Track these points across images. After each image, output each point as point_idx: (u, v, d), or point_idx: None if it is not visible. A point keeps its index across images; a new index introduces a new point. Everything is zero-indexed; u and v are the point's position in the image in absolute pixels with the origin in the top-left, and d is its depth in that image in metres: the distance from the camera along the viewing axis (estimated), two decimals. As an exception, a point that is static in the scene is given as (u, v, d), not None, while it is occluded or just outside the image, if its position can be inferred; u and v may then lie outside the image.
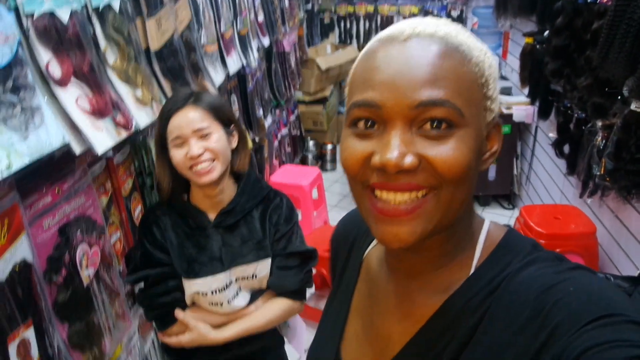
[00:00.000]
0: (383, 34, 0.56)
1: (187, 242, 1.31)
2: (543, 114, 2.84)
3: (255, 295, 1.36)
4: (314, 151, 4.39)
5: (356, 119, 0.54)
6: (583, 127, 2.34)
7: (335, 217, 3.59)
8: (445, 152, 0.50)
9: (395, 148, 0.50)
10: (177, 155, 1.22)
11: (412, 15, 4.71)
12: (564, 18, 2.35)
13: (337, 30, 5.22)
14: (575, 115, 2.48)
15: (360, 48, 5.07)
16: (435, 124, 0.50)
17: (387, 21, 4.85)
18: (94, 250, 1.24)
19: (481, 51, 0.54)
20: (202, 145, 1.20)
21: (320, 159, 4.46)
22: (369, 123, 0.53)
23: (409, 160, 0.50)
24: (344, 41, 5.19)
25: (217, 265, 1.28)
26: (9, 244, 0.95)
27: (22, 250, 0.99)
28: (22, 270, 0.98)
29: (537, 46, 2.80)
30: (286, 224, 1.34)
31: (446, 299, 0.57)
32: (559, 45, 2.42)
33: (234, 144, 1.31)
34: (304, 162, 4.27)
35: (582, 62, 2.16)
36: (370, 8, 4.92)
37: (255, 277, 1.32)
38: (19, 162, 0.89)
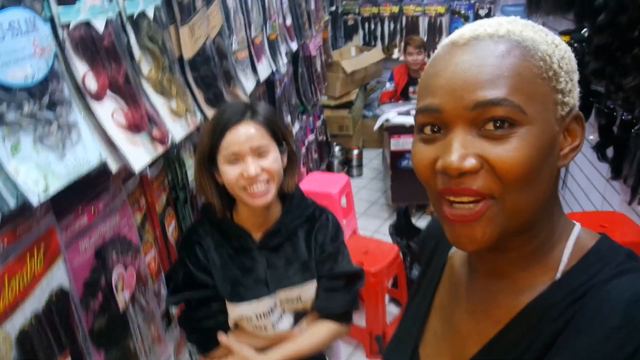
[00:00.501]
0: (446, 39, 0.57)
1: (231, 263, 1.24)
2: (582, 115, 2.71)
3: (299, 317, 1.28)
4: (340, 157, 4.30)
5: (422, 125, 0.56)
6: (631, 130, 2.21)
7: (363, 225, 3.50)
8: (506, 152, 0.50)
9: (456, 151, 0.51)
10: (231, 173, 1.13)
11: (439, 15, 4.60)
12: (607, 15, 2.23)
13: (361, 32, 5.13)
14: (621, 116, 2.35)
15: (385, 49, 4.98)
16: (496, 124, 0.51)
17: (413, 22, 4.74)
18: (130, 272, 1.18)
19: (550, 45, 0.53)
20: (259, 164, 1.12)
21: (347, 165, 4.37)
22: (435, 128, 0.54)
23: (469, 162, 0.51)
24: (368, 43, 5.09)
25: (262, 289, 1.21)
26: (45, 271, 0.89)
27: (59, 276, 0.93)
28: (60, 298, 0.92)
29: (575, 45, 2.68)
30: (332, 243, 1.26)
31: (528, 303, 0.56)
32: (602, 44, 2.29)
33: (286, 160, 1.23)
34: (329, 168, 4.19)
35: (629, 60, 2.05)
36: (395, 9, 4.82)
37: (300, 300, 1.25)
38: (57, 184, 0.83)
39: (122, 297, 1.15)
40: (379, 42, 5.04)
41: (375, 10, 4.94)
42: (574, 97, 0.55)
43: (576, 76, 0.55)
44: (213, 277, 1.23)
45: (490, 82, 0.50)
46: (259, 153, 1.13)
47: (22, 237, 0.83)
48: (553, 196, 0.57)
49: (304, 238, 1.25)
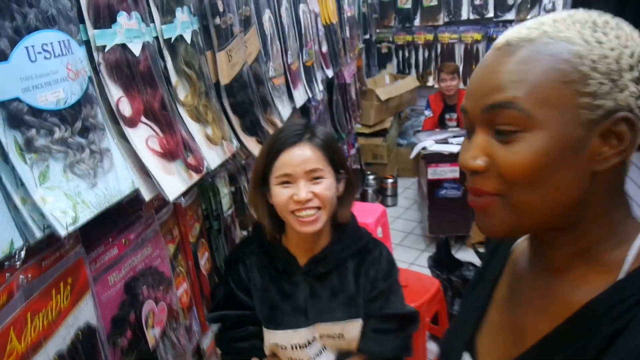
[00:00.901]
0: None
1: (271, 286, 1.17)
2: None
3: (342, 356, 1.19)
4: (374, 185, 4.21)
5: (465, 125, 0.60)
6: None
7: (399, 256, 3.37)
8: (510, 155, 0.52)
9: (468, 151, 0.56)
10: (281, 194, 1.08)
11: (475, 42, 4.53)
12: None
13: (395, 60, 5.09)
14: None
15: (419, 77, 4.92)
16: (503, 127, 0.53)
17: (448, 49, 4.68)
18: (161, 307, 1.11)
19: (590, 44, 0.51)
20: (311, 189, 1.07)
21: (381, 194, 4.27)
22: (470, 127, 0.58)
23: (476, 162, 0.55)
24: (402, 71, 5.05)
25: (300, 319, 1.14)
26: (72, 307, 0.83)
27: (86, 312, 0.87)
28: (86, 336, 0.86)
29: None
30: (384, 281, 1.16)
31: (589, 300, 0.55)
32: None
33: (341, 189, 1.16)
34: (363, 197, 4.10)
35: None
36: (430, 36, 4.77)
37: (343, 337, 1.15)
38: (87, 213, 0.78)
39: (152, 334, 1.08)
40: (413, 70, 4.99)
41: (409, 38, 4.91)
42: (618, 99, 0.51)
43: (628, 75, 0.51)
44: (252, 297, 1.18)
45: (503, 86, 0.53)
46: (313, 177, 1.08)
47: (49, 271, 0.78)
48: (605, 196, 0.55)
49: (353, 271, 1.16)
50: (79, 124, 0.80)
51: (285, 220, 1.11)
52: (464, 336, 0.71)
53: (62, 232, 0.72)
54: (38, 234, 0.71)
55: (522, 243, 0.70)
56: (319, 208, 1.07)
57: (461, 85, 3.97)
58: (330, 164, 1.10)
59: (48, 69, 0.74)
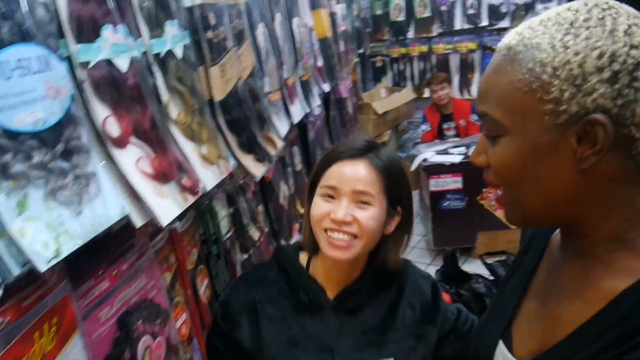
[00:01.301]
0: None
1: (291, 320, 1.00)
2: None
3: None
4: (374, 200, 4.14)
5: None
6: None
7: (404, 271, 3.29)
8: (493, 155, 0.60)
9: (475, 150, 0.64)
10: (319, 207, 0.95)
11: (470, 51, 4.51)
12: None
13: (390, 73, 5.07)
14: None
15: (415, 89, 4.89)
16: (489, 133, 0.61)
17: (443, 60, 4.66)
18: (158, 342, 1.03)
19: (552, 50, 0.53)
20: (352, 212, 0.92)
21: (381, 208, 4.20)
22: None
23: (477, 158, 0.63)
24: (397, 84, 5.03)
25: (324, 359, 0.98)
26: (58, 350, 0.75)
27: (74, 354, 0.79)
28: (74, 381, 0.77)
29: None
30: (435, 303, 1.05)
31: (626, 288, 0.55)
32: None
33: (392, 228, 0.99)
34: (364, 212, 4.02)
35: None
36: (424, 48, 4.76)
37: None
38: (70, 245, 0.71)
39: (150, 372, 0.99)
40: (409, 82, 4.96)
41: (403, 50, 4.89)
42: (582, 103, 0.52)
43: (595, 77, 0.51)
44: (253, 336, 1.01)
45: (482, 97, 0.61)
46: (359, 200, 0.93)
47: (30, 311, 0.70)
48: (613, 190, 0.56)
49: (387, 302, 1.02)
50: (60, 147, 0.72)
51: (317, 237, 0.97)
52: (500, 326, 0.72)
53: (42, 267, 0.64)
54: (16, 271, 0.63)
55: (558, 234, 0.71)
56: (355, 236, 0.93)
57: (457, 95, 3.94)
58: (386, 193, 0.96)
59: (24, 87, 0.67)
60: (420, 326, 0.99)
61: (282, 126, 1.80)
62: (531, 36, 0.56)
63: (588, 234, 0.60)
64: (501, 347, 0.69)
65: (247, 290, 1.05)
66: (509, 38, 0.59)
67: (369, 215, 0.92)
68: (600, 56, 0.51)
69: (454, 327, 1.06)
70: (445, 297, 2.27)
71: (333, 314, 0.99)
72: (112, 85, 0.87)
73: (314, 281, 1.01)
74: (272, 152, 1.57)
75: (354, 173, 0.94)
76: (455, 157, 3.24)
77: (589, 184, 0.56)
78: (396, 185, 0.98)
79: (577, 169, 0.55)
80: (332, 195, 0.94)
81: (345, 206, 0.91)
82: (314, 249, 1.00)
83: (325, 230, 0.93)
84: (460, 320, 1.07)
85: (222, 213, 1.39)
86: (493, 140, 0.60)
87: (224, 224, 1.39)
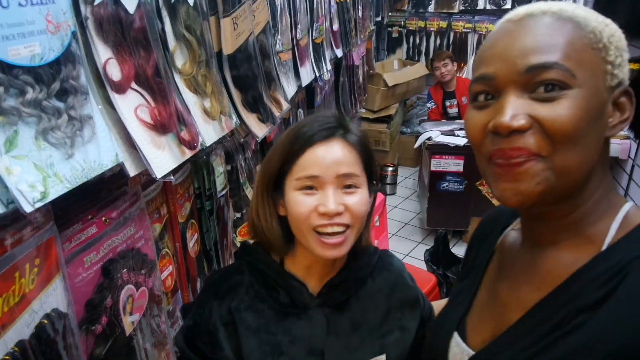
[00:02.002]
0: (502, 18, 0.62)
1: (274, 326, 0.87)
2: (651, 151, 2.48)
3: None
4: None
5: (476, 94, 0.60)
6: None
7: (394, 246, 3.30)
8: (555, 111, 0.54)
9: (508, 111, 0.55)
10: (302, 204, 0.81)
11: (488, 32, 4.39)
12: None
13: (405, 46, 4.95)
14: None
15: (428, 65, 4.80)
16: (547, 87, 0.55)
17: (461, 38, 4.55)
18: (141, 291, 1.03)
19: (601, 23, 0.57)
20: (342, 200, 0.81)
21: (380, 182, 4.19)
22: (489, 96, 0.59)
23: (519, 121, 0.55)
24: (411, 57, 4.92)
25: None
26: (38, 291, 0.74)
27: (55, 297, 0.78)
28: (53, 322, 0.77)
29: (648, 73, 2.45)
30: (417, 301, 0.96)
31: (573, 272, 0.58)
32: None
33: (370, 205, 0.89)
34: (362, 183, 4.01)
35: None
36: (443, 24, 4.63)
37: None
38: (59, 188, 0.68)
39: (130, 320, 1.00)
40: (422, 57, 4.86)
41: (422, 24, 4.77)
42: (623, 72, 0.58)
43: (626, 54, 0.58)
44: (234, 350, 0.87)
45: (543, 49, 0.55)
46: (346, 185, 0.82)
47: (13, 250, 0.69)
48: (602, 167, 0.60)
49: (373, 294, 0.93)
50: (56, 85, 0.69)
51: (301, 238, 0.85)
52: (455, 318, 0.73)
53: (27, 209, 0.63)
54: (0, 210, 0.62)
55: (510, 233, 0.74)
56: (347, 226, 0.82)
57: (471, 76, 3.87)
58: (365, 170, 0.85)
59: (23, 17, 0.64)
60: (403, 318, 0.93)
61: (289, 88, 1.76)
62: (570, 9, 0.58)
63: (557, 217, 0.61)
64: (456, 338, 0.70)
65: (220, 302, 0.89)
66: (542, 6, 0.58)
67: (359, 200, 0.83)
68: (621, 40, 0.58)
69: (422, 318, 0.97)
70: (432, 277, 2.28)
71: (319, 311, 0.88)
72: (117, 26, 0.84)
73: (293, 278, 0.89)
74: (277, 113, 1.53)
75: (334, 156, 0.82)
76: (460, 140, 3.20)
77: (602, 156, 0.59)
78: (371, 158, 0.88)
79: (603, 137, 0.58)
80: (312, 186, 0.82)
81: (333, 195, 0.80)
82: (285, 249, 0.90)
83: (316, 229, 0.81)
84: (425, 308, 0.99)
85: (219, 169, 1.36)
86: (549, 96, 0.55)
87: (220, 181, 1.37)
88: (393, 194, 4.22)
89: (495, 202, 3.37)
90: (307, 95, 2.33)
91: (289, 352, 0.86)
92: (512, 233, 0.73)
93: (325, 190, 0.81)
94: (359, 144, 0.85)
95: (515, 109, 0.55)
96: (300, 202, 0.82)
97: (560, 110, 0.54)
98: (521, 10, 0.60)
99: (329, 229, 0.81)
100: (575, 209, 0.60)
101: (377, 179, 0.91)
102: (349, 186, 0.82)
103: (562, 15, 0.57)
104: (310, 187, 0.82)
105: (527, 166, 0.55)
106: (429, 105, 4.00)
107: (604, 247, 0.58)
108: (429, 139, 3.30)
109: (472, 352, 0.67)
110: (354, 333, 0.89)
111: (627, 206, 0.61)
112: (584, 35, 0.56)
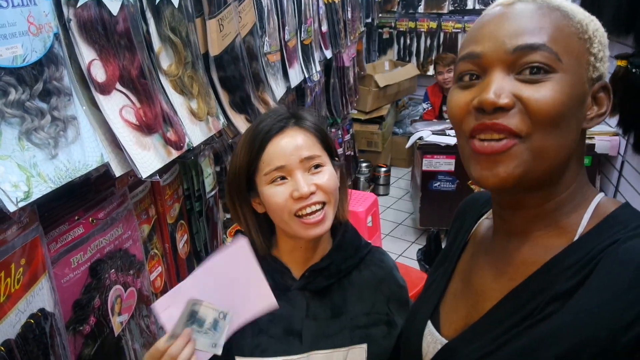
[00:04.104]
0: (493, 2, 0.62)
1: None
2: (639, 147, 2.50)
3: None
4: (367, 173, 4.13)
5: (461, 73, 0.60)
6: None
7: (387, 246, 3.31)
8: (540, 93, 0.54)
9: (493, 88, 0.56)
10: (277, 194, 0.86)
11: (479, 33, 4.42)
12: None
13: (395, 47, 4.98)
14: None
15: (419, 66, 4.82)
16: (533, 69, 0.55)
17: (451, 39, 4.58)
18: (130, 292, 1.03)
19: (587, 17, 0.59)
20: (312, 180, 0.87)
21: (373, 182, 4.20)
22: (474, 76, 0.59)
23: (504, 99, 0.55)
24: (402, 58, 4.94)
25: (293, 343, 0.89)
26: (24, 291, 0.75)
27: (41, 297, 0.78)
28: (39, 322, 0.77)
29: (634, 70, 2.47)
30: (404, 292, 0.99)
31: (546, 262, 0.58)
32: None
33: (338, 180, 0.94)
34: (355, 184, 4.02)
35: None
36: (433, 24, 4.66)
37: None
38: (42, 188, 0.69)
39: (119, 321, 1.00)
40: (413, 58, 4.88)
41: (412, 24, 4.79)
42: (604, 67, 0.59)
43: (607, 51, 0.59)
44: None
45: (531, 31, 0.56)
46: (311, 166, 0.88)
47: (-3, 250, 0.69)
48: (577, 161, 0.61)
49: (359, 286, 0.95)
50: (39, 86, 0.70)
51: (284, 226, 0.89)
52: (428, 308, 0.73)
53: (11, 208, 0.63)
54: (-17, 209, 0.62)
55: (484, 221, 0.75)
56: (324, 203, 0.87)
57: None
58: (325, 149, 0.92)
59: (4, 19, 0.65)
60: (390, 314, 0.95)
61: (278, 89, 1.77)
62: (559, 1, 0.59)
63: (530, 206, 0.61)
64: (429, 328, 0.71)
65: None
66: None
67: (327, 177, 0.88)
68: (604, 36, 0.59)
69: None
70: (425, 276, 2.29)
71: (300, 294, 0.92)
72: (101, 28, 0.84)
73: (278, 262, 0.94)
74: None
75: (294, 143, 0.88)
76: (451, 139, 3.21)
77: (578, 149, 0.60)
78: (327, 137, 0.94)
79: (581, 127, 0.59)
80: (282, 175, 0.87)
81: (302, 178, 0.86)
82: (268, 244, 0.95)
83: (296, 214, 0.86)
84: None
85: (208, 170, 1.37)
86: (533, 77, 0.55)
87: (209, 182, 1.38)
88: (386, 194, 4.23)
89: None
90: (298, 97, 2.34)
91: (268, 330, 0.90)
92: (486, 222, 0.73)
93: (294, 176, 0.86)
94: (313, 128, 0.91)
95: (500, 87, 0.55)
96: (274, 194, 0.86)
97: (545, 92, 0.54)
98: None
99: (308, 210, 0.85)
100: (550, 199, 0.60)
101: (337, 155, 0.96)
102: (315, 167, 0.88)
103: (551, 4, 0.58)
104: (280, 178, 0.87)
105: (508, 148, 0.56)
106: (424, 105, 3.98)
107: (576, 238, 0.58)
108: (421, 138, 3.31)
109: (445, 341, 0.67)
110: (333, 319, 0.92)
111: (599, 197, 0.61)
112: (571, 24, 0.57)
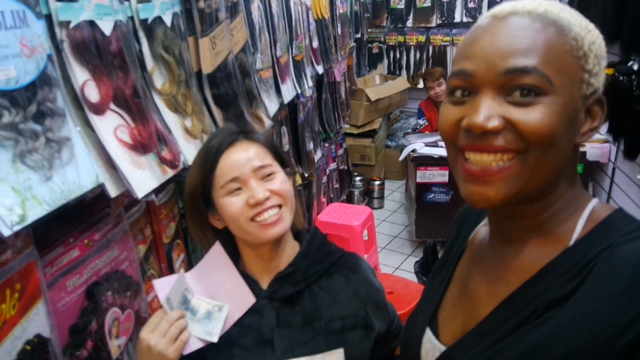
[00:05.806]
0: (486, 13, 0.61)
1: None
2: (629, 154, 2.52)
3: None
4: (361, 187, 4.12)
5: (453, 88, 0.60)
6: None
7: (384, 260, 3.30)
8: (530, 116, 0.54)
9: (482, 111, 0.55)
10: (234, 204, 0.89)
11: (467, 45, 4.47)
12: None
13: (385, 61, 5.02)
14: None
15: (410, 79, 4.86)
16: (523, 92, 0.54)
17: (439, 52, 4.62)
18: (127, 314, 1.01)
19: (584, 28, 0.57)
20: (266, 187, 0.91)
21: (367, 196, 4.19)
22: (466, 92, 0.59)
23: (493, 123, 0.55)
24: (393, 72, 4.98)
25: (266, 353, 0.90)
26: (20, 316, 0.73)
27: (37, 322, 0.77)
28: (35, 348, 0.76)
29: (622, 78, 2.51)
30: (381, 295, 1.00)
31: (541, 268, 0.59)
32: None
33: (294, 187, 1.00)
34: (349, 198, 4.01)
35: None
36: (422, 38, 4.71)
37: None
38: (38, 211, 0.68)
39: (116, 344, 0.98)
40: (404, 71, 4.92)
41: (401, 38, 4.84)
42: (599, 81, 0.58)
43: (604, 62, 0.58)
44: None
45: (523, 52, 0.54)
46: (264, 175, 0.92)
47: (-8, 276, 0.68)
48: (571, 171, 0.61)
49: (332, 291, 0.96)
50: (33, 108, 0.70)
51: (243, 234, 0.92)
52: (427, 315, 0.74)
53: (6, 232, 0.62)
54: (-23, 234, 0.61)
55: (482, 228, 0.75)
56: (280, 206, 0.91)
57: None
58: (276, 158, 0.96)
59: (-3, 42, 0.64)
60: (367, 317, 0.95)
61: (271, 105, 1.77)
62: (556, 11, 0.57)
63: (525, 217, 0.61)
64: (428, 334, 0.71)
65: None
66: (529, 5, 0.57)
67: (280, 181, 0.93)
68: (601, 47, 0.58)
69: (389, 329, 1.01)
70: (422, 289, 2.28)
71: (268, 303, 0.93)
72: (94, 49, 0.84)
73: (243, 273, 0.95)
74: (260, 130, 1.54)
75: (245, 155, 0.92)
76: (444, 151, 3.23)
77: (571, 161, 0.60)
78: (277, 148, 0.99)
79: (573, 143, 0.58)
80: (238, 187, 0.91)
81: (257, 186, 0.90)
82: (235, 263, 0.95)
83: (252, 219, 0.89)
84: (395, 323, 1.04)
85: (203, 189, 1.36)
86: (524, 100, 0.54)
87: (204, 200, 1.37)
88: (381, 207, 4.22)
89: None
90: (290, 112, 2.34)
91: (240, 343, 0.91)
92: (483, 229, 0.74)
93: (249, 185, 0.90)
94: (263, 140, 0.96)
95: (490, 110, 0.55)
96: (231, 204, 0.90)
97: (535, 115, 0.54)
98: (507, 6, 0.59)
99: (265, 215, 0.89)
100: (545, 210, 0.61)
101: (289, 165, 1.01)
102: (268, 175, 0.92)
103: (546, 17, 0.56)
104: (235, 190, 0.91)
105: (499, 174, 0.56)
106: (421, 122, 3.97)
107: (571, 243, 0.59)
108: (414, 151, 3.32)
109: (443, 348, 0.67)
110: (306, 326, 0.93)
111: (593, 203, 0.62)
112: (565, 41, 0.55)
